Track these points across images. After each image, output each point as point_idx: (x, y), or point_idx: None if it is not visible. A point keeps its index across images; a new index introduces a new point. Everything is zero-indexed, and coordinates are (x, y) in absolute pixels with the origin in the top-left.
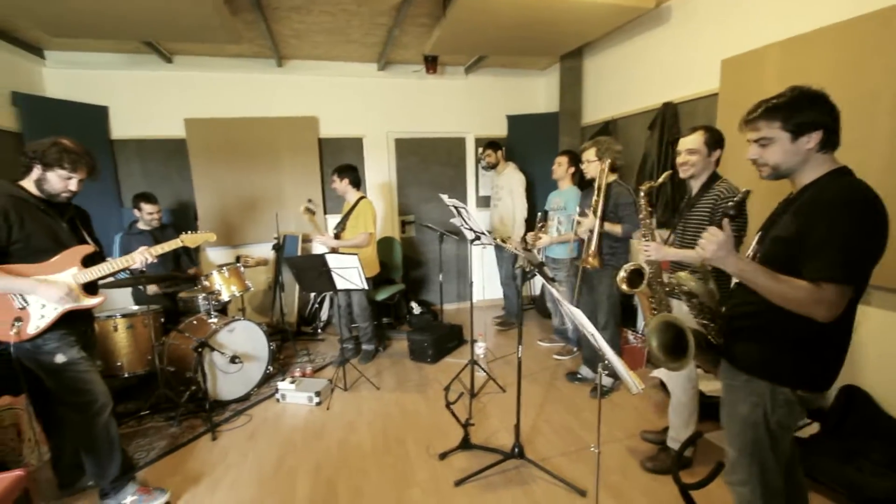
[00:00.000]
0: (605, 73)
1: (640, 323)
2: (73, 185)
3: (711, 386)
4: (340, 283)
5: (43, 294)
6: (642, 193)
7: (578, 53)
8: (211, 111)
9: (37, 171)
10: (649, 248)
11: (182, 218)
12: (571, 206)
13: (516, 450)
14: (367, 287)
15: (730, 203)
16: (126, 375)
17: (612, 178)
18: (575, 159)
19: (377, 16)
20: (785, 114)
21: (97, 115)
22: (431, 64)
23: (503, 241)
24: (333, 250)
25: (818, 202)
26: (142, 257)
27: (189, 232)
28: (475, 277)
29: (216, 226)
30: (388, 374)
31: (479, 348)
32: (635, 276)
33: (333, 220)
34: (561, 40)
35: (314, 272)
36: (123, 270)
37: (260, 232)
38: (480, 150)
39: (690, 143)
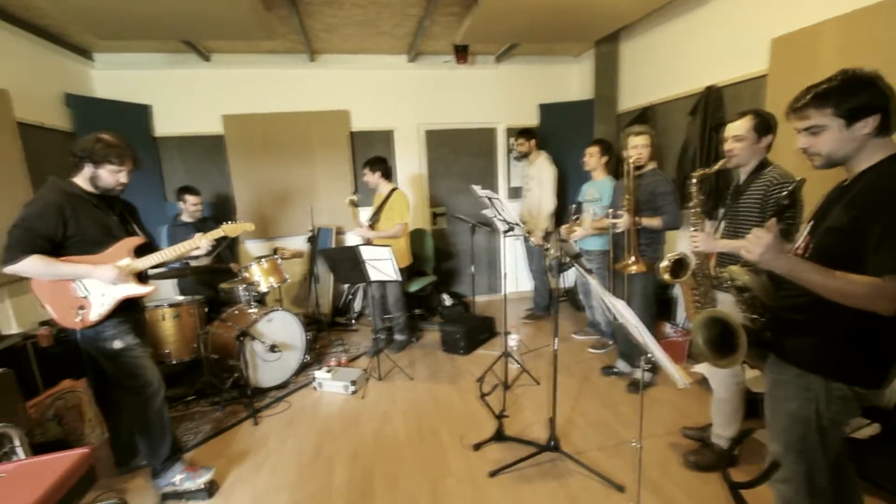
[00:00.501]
0: (643, 57)
1: (681, 315)
2: (123, 177)
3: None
4: (374, 275)
5: (98, 275)
6: (694, 181)
7: (614, 38)
8: (247, 107)
9: (88, 169)
10: (697, 239)
11: (221, 211)
12: (606, 197)
13: (552, 443)
14: (400, 278)
15: (783, 193)
16: (173, 362)
17: (651, 166)
18: (607, 148)
19: (408, 7)
20: (837, 99)
21: (141, 114)
22: (462, 53)
23: (528, 233)
24: (368, 242)
25: (876, 190)
26: (206, 242)
27: (229, 222)
28: (507, 269)
29: (253, 219)
30: (420, 364)
31: (512, 340)
32: (678, 266)
33: (365, 213)
34: (596, 24)
35: (348, 264)
36: (184, 258)
37: (295, 224)
38: (512, 139)
39: (737, 130)
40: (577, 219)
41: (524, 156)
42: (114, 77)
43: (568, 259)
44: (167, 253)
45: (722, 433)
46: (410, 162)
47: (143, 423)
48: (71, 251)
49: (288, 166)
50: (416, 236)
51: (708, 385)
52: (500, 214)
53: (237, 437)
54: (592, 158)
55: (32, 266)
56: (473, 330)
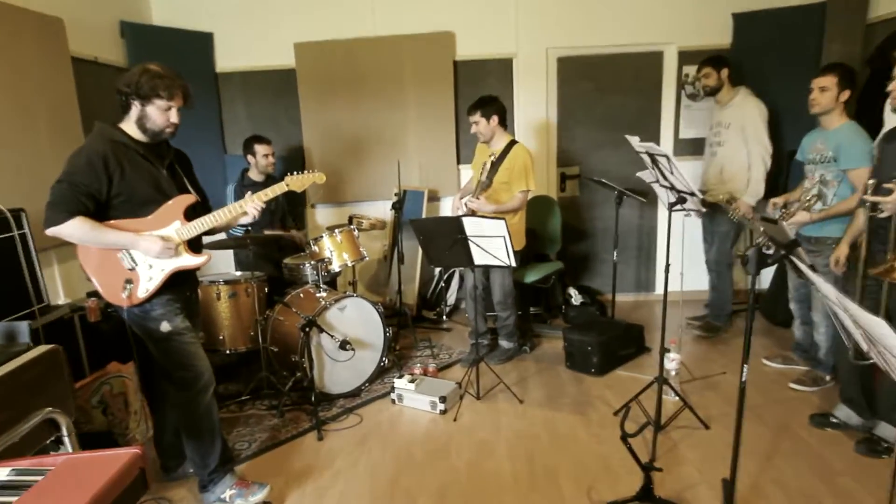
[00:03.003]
0: None
1: None
2: (173, 116)
3: None
4: (480, 257)
5: (142, 247)
6: None
7: None
8: (324, 32)
9: (136, 109)
10: None
11: (292, 166)
12: (846, 155)
13: None
14: (514, 264)
15: None
16: (228, 352)
17: None
18: (849, 79)
19: None
20: None
21: (202, 43)
22: None
23: (728, 202)
24: (473, 213)
25: None
26: (254, 206)
27: (295, 173)
28: (672, 259)
29: (327, 177)
30: (534, 383)
31: (671, 361)
32: None
33: (468, 172)
34: None
35: (446, 240)
36: (234, 227)
37: (376, 186)
38: (688, 69)
39: None
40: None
41: (712, 93)
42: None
43: (776, 249)
44: (212, 218)
45: None
46: (534, 103)
47: (190, 423)
48: (116, 212)
49: (371, 109)
50: (538, 207)
51: None
52: (665, 179)
53: (298, 452)
54: (826, 95)
55: (75, 229)
56: (612, 341)
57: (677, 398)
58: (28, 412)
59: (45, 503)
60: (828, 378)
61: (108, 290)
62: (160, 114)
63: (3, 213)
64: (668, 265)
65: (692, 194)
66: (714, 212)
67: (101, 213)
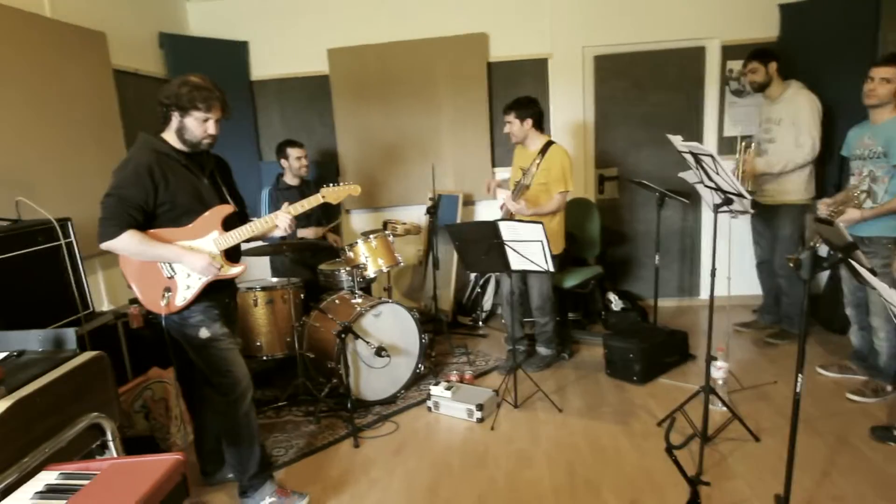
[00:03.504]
0: None
1: None
2: (211, 127)
3: None
4: (517, 262)
5: (188, 263)
6: None
7: None
8: (357, 37)
9: (175, 120)
10: None
11: (325, 172)
12: None
13: None
14: (552, 269)
15: None
16: (265, 358)
17: None
18: None
19: None
20: None
21: (238, 52)
22: None
23: (831, 214)
24: (510, 217)
25: None
26: (285, 219)
27: (331, 185)
28: (718, 262)
29: (360, 182)
30: (573, 391)
31: (719, 370)
32: None
33: (504, 174)
34: None
35: (481, 245)
36: (265, 237)
37: (410, 190)
38: (739, 65)
39: None
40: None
41: (761, 88)
42: (209, 9)
43: (833, 253)
44: (248, 229)
45: None
46: (571, 103)
47: (230, 429)
48: (159, 222)
49: (405, 113)
50: (576, 210)
51: None
52: (710, 179)
53: (334, 460)
54: (887, 87)
55: (127, 244)
56: (655, 348)
57: (725, 409)
58: (74, 417)
59: None
60: (889, 388)
61: (147, 297)
62: (198, 125)
63: (51, 222)
64: (713, 269)
65: (739, 195)
66: (772, 214)
67: (147, 223)
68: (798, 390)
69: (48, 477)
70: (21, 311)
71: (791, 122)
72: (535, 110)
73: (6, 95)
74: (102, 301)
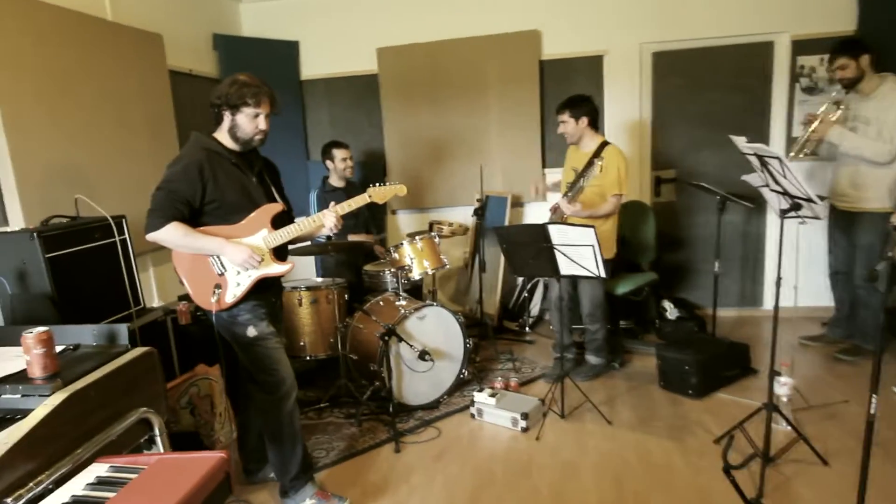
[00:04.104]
0: None
1: None
2: (262, 122)
3: None
4: (566, 267)
5: (228, 255)
6: None
7: None
8: (407, 35)
9: (227, 120)
10: None
11: (371, 172)
12: None
13: None
14: (603, 274)
15: None
16: (308, 358)
17: None
18: None
19: None
20: None
21: (288, 52)
22: None
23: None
24: (562, 220)
25: None
26: (332, 218)
27: (377, 185)
28: (784, 270)
29: (407, 182)
30: (623, 403)
31: (783, 386)
32: None
33: (555, 176)
34: None
35: (530, 249)
36: (312, 237)
37: (457, 191)
38: (810, 60)
39: None
40: None
41: (850, 85)
42: (262, 10)
43: None
44: (297, 228)
45: None
46: (626, 102)
47: (273, 428)
48: (208, 218)
49: (453, 112)
50: (630, 214)
51: None
52: (776, 183)
53: (375, 464)
54: None
55: (171, 234)
56: (713, 360)
57: (790, 428)
58: (124, 411)
59: (139, 500)
60: None
61: (198, 293)
62: (249, 121)
63: (107, 219)
64: (779, 277)
65: (808, 200)
66: (851, 222)
67: (195, 218)
68: (872, 411)
69: (99, 469)
70: (78, 305)
71: (884, 123)
72: (590, 108)
73: (69, 96)
74: (153, 297)
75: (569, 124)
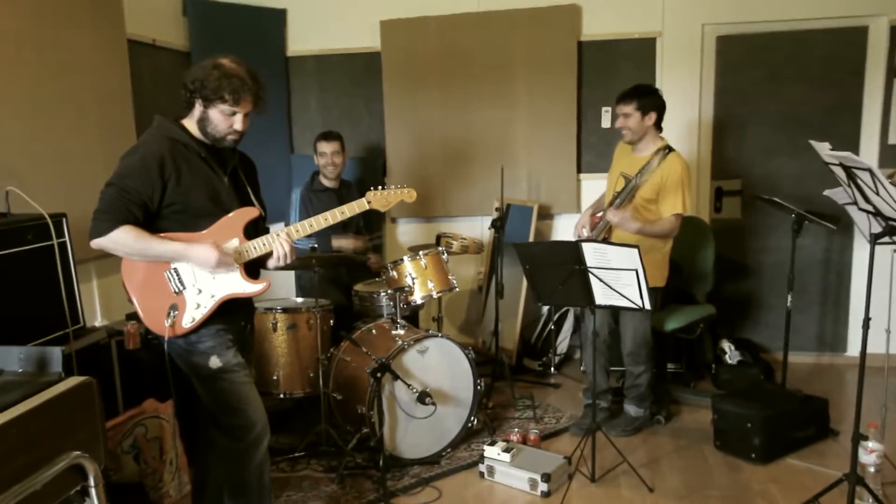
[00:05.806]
0: None
1: None
2: (237, 123)
3: None
4: (603, 296)
5: (195, 258)
6: None
7: None
8: (417, 8)
9: (198, 109)
10: None
11: (369, 170)
12: None
13: None
14: (649, 306)
15: None
16: (282, 396)
17: None
18: None
19: None
20: None
21: (273, 22)
22: None
23: None
24: (606, 240)
25: None
26: (283, 247)
27: (378, 188)
28: (874, 309)
29: (411, 185)
30: (670, 466)
31: (870, 454)
32: None
33: (593, 184)
34: None
35: (559, 271)
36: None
37: (472, 198)
38: None
39: None
40: None
41: None
42: None
43: None
44: (259, 243)
45: None
46: (683, 96)
47: (237, 482)
48: (166, 223)
49: (471, 101)
50: (684, 233)
51: None
52: (867, 201)
53: None
54: None
55: (120, 240)
56: (783, 418)
57: None
58: (53, 456)
59: None
60: None
61: (149, 315)
62: (223, 119)
63: (44, 218)
64: (867, 318)
65: None
66: None
67: (151, 222)
68: None
69: None
70: (2, 321)
71: None
72: (660, 103)
73: (2, 67)
74: (96, 314)
75: (632, 118)
